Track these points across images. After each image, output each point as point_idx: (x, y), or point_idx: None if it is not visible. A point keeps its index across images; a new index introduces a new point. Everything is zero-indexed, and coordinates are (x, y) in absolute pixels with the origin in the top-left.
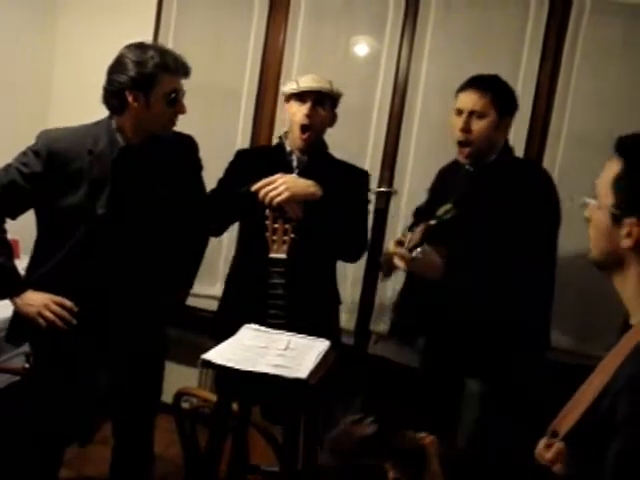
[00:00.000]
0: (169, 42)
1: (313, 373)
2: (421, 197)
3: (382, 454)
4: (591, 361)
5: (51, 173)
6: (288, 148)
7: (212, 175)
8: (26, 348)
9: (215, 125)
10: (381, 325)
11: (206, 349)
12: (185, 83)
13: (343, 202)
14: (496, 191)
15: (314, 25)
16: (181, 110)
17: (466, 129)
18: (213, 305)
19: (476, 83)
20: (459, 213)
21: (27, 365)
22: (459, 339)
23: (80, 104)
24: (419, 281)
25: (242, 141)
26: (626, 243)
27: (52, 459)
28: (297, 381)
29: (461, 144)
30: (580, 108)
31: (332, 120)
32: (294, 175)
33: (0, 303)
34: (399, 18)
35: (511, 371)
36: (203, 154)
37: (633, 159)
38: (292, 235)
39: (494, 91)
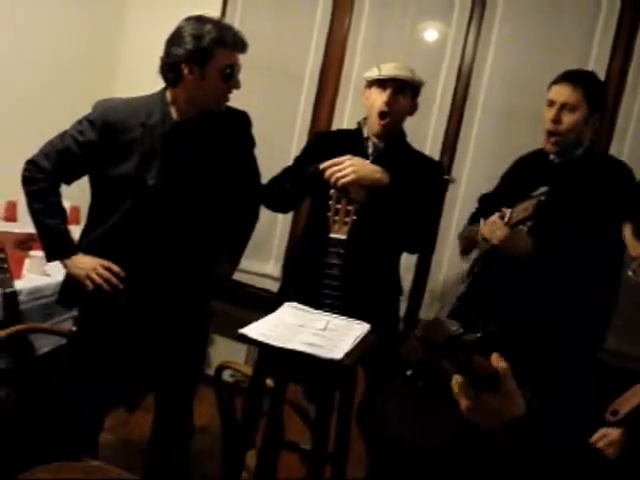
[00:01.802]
0: (236, 21)
1: (349, 355)
2: (479, 185)
3: (462, 364)
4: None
5: (104, 142)
6: (365, 134)
7: (271, 153)
8: (76, 312)
9: (276, 106)
10: (432, 313)
11: None
12: (249, 63)
13: (412, 192)
14: (583, 188)
15: (380, 9)
16: (235, 85)
17: (556, 120)
18: (265, 283)
19: (571, 77)
20: (553, 200)
21: (74, 328)
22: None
23: (145, 79)
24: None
25: (302, 123)
26: None
27: (91, 423)
28: (331, 362)
29: (550, 134)
30: None
31: (412, 109)
32: (362, 159)
33: (56, 267)
34: (467, 4)
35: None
36: (263, 133)
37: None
38: (354, 217)
39: (588, 86)
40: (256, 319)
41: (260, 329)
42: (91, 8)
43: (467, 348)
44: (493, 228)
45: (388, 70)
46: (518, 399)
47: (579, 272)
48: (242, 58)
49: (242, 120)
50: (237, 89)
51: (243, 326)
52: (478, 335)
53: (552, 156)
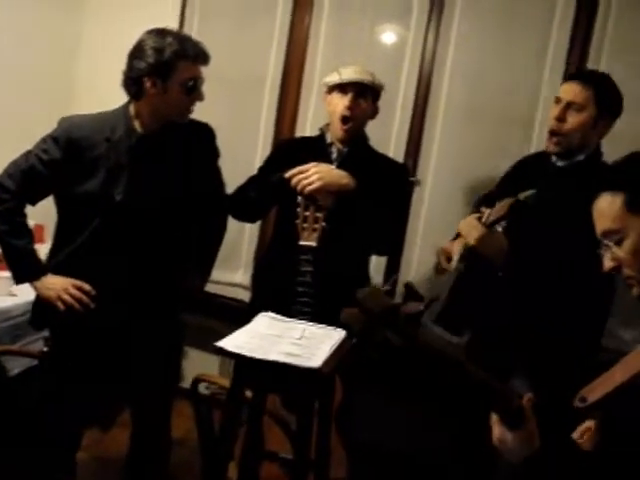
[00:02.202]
0: (194, 30)
1: (327, 362)
2: (445, 185)
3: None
4: None
5: (69, 160)
6: (328, 139)
7: (235, 163)
8: (46, 333)
9: (238, 115)
10: None
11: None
12: (209, 71)
13: (378, 195)
14: (575, 193)
15: (339, 12)
16: (199, 98)
17: (560, 118)
18: (235, 293)
19: (583, 76)
20: (539, 202)
21: (45, 349)
22: (507, 341)
23: (104, 91)
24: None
25: (265, 129)
26: None
27: (68, 443)
28: (310, 370)
29: (552, 133)
30: None
31: (373, 112)
32: (328, 165)
33: (23, 287)
34: (425, 4)
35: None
36: (226, 143)
37: (633, 184)
38: (323, 224)
39: (599, 87)
40: (228, 329)
41: (236, 341)
42: (48, 21)
43: (409, 319)
44: (469, 227)
45: (348, 74)
46: (536, 436)
47: (557, 276)
48: (203, 69)
49: (206, 132)
50: (200, 101)
51: (216, 337)
52: (421, 308)
53: (554, 158)
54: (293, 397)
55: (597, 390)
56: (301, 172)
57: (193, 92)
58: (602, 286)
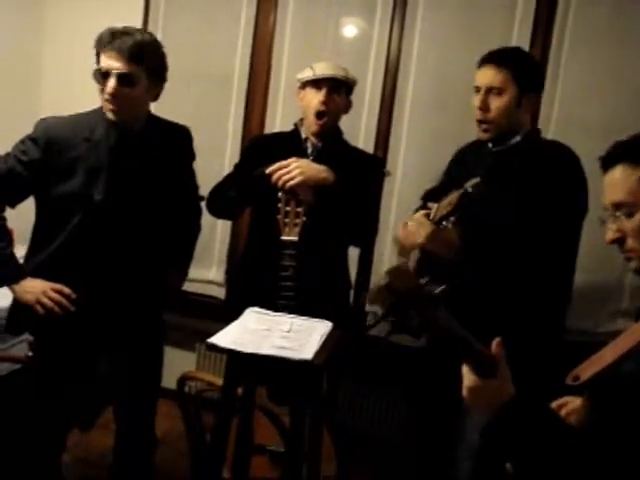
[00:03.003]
0: (159, 28)
1: (318, 354)
2: (414, 177)
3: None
4: None
5: (49, 160)
6: (303, 135)
7: (206, 161)
8: (29, 336)
9: (206, 111)
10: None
11: (203, 333)
12: (176, 73)
13: (355, 188)
14: (521, 174)
15: (304, 7)
16: (105, 90)
17: (483, 107)
18: (208, 289)
19: (493, 58)
20: (484, 191)
21: (30, 353)
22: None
23: (71, 92)
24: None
25: (234, 126)
26: None
27: (54, 445)
28: (302, 362)
29: (480, 122)
30: (571, 91)
31: (347, 107)
32: (307, 160)
33: (1, 291)
34: None
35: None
36: (195, 140)
37: None
38: (304, 218)
39: (513, 65)
40: (203, 326)
41: (228, 337)
42: (10, 16)
43: (431, 300)
44: (418, 225)
45: (322, 70)
46: (509, 386)
47: (511, 271)
48: (171, 68)
49: (183, 134)
50: (108, 93)
51: (191, 334)
52: (443, 287)
53: (490, 144)
54: (283, 390)
55: (589, 369)
56: (281, 167)
57: (99, 83)
58: (563, 256)
